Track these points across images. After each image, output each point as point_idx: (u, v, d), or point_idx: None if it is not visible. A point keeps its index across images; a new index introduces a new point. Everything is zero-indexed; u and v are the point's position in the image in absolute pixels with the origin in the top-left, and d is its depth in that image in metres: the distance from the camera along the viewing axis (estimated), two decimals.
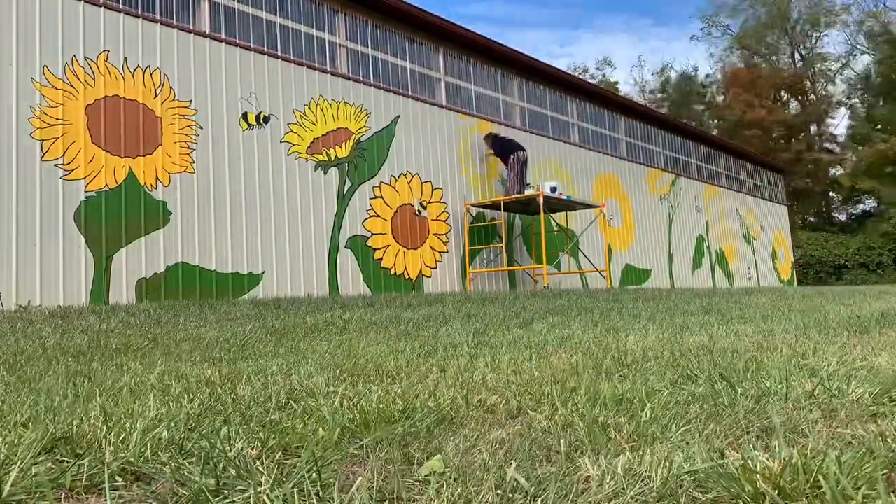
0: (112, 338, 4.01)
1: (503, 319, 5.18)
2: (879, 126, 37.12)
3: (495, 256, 12.27)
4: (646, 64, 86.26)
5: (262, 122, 9.12)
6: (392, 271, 10.52)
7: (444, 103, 12.13)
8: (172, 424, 1.58)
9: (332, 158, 9.98)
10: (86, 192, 7.32)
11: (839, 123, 54.73)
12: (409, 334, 4.06)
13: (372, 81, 10.88)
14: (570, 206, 12.81)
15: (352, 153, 10.25)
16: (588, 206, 13.35)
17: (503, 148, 12.10)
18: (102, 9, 7.74)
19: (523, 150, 12.07)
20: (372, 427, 1.58)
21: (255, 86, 9.14)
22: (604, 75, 48.33)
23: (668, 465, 1.19)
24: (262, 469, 1.26)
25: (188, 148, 8.29)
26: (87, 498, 1.21)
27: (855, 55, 42.41)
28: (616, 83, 46.48)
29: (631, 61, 65.06)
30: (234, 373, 2.52)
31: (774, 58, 43.77)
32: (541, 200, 11.33)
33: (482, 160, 12.49)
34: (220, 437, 1.46)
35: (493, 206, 11.94)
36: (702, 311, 5.74)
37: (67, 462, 1.32)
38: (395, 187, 10.81)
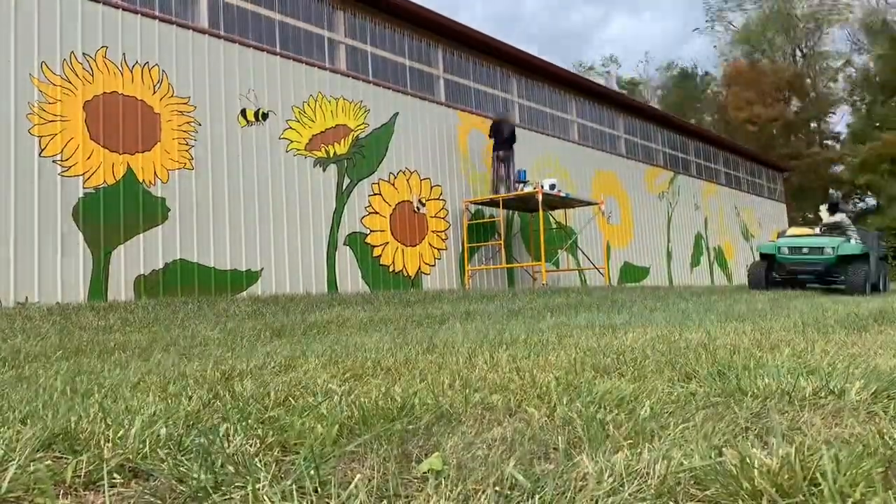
0: (110, 335, 4.01)
1: (501, 317, 5.19)
2: (878, 123, 37.15)
3: (494, 254, 12.27)
4: (651, 60, 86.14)
5: (260, 118, 9.10)
6: (391, 268, 10.52)
7: (442, 100, 12.13)
8: (171, 421, 1.58)
9: (331, 155, 9.97)
10: (84, 188, 7.31)
11: (840, 121, 54.74)
12: (408, 332, 4.06)
13: (371, 78, 10.87)
14: (568, 203, 12.81)
15: (350, 150, 10.25)
16: (587, 203, 13.35)
17: (498, 140, 12.03)
18: (101, 5, 7.72)
19: (510, 149, 12.03)
20: (370, 424, 1.58)
21: (254, 82, 9.13)
22: (608, 73, 48.28)
23: (666, 462, 1.19)
24: (260, 466, 1.26)
25: (187, 144, 8.28)
26: (86, 494, 1.21)
27: (859, 52, 42.45)
28: (632, 79, 46.45)
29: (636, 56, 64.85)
30: (233, 370, 2.52)
31: (777, 55, 43.77)
32: (540, 198, 11.33)
33: (481, 158, 12.48)
34: (219, 434, 1.46)
35: (492, 203, 11.94)
36: (700, 309, 5.75)
37: (66, 459, 1.32)
38: (393, 184, 10.81)
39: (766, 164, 25.26)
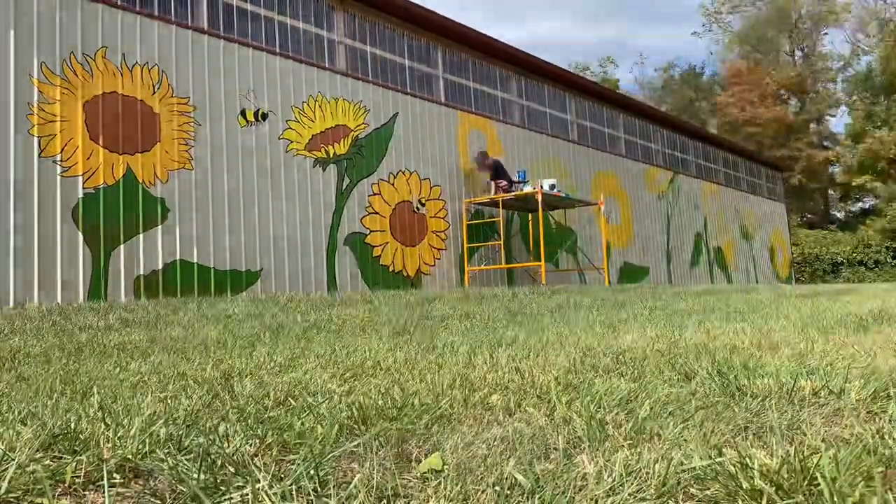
0: (110, 335, 4.01)
1: (502, 317, 5.19)
2: (879, 124, 37.18)
3: (494, 254, 12.27)
4: (647, 61, 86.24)
5: (260, 118, 9.10)
6: (390, 269, 10.52)
7: (442, 100, 12.13)
8: (171, 421, 1.58)
9: (331, 155, 9.97)
10: (84, 188, 7.31)
11: (839, 121, 54.75)
12: (408, 332, 4.07)
13: (370, 78, 10.87)
14: (568, 203, 12.81)
15: (350, 150, 10.25)
16: (586, 203, 13.35)
17: (497, 172, 11.98)
18: (100, 5, 7.72)
19: (509, 181, 11.96)
20: (370, 424, 1.58)
21: (254, 83, 9.13)
22: (605, 73, 48.24)
23: (666, 462, 1.19)
24: (259, 466, 1.26)
25: (186, 145, 8.28)
26: (86, 494, 1.21)
27: (858, 54, 42.48)
28: (617, 80, 46.46)
29: (632, 57, 64.64)
30: (232, 370, 2.52)
31: (775, 55, 43.78)
32: (539, 198, 11.33)
33: (481, 158, 12.47)
34: (219, 435, 1.46)
35: (492, 203, 11.94)
36: (700, 309, 5.75)
37: (66, 459, 1.32)
38: (393, 184, 10.81)
39: (766, 163, 25.27)
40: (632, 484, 1.13)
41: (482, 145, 12.50)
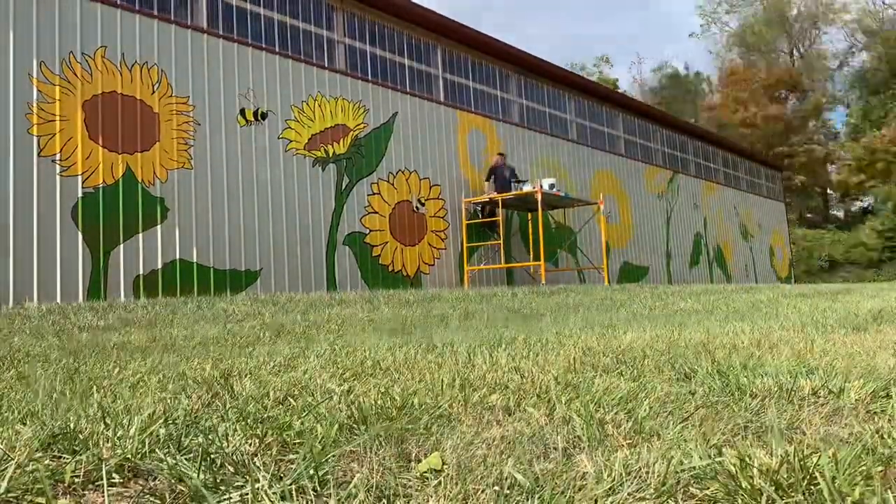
0: (110, 334, 4.01)
1: (501, 317, 5.19)
2: (875, 118, 37.18)
3: (493, 253, 12.27)
4: (644, 61, 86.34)
5: (259, 118, 9.10)
6: (390, 268, 10.52)
7: (442, 100, 12.12)
8: (170, 421, 1.58)
9: (330, 155, 9.97)
10: (83, 188, 7.31)
11: (837, 120, 54.73)
12: (408, 331, 4.07)
13: (370, 78, 10.87)
14: (567, 203, 12.81)
15: (350, 150, 10.24)
16: (586, 202, 13.35)
17: (494, 178, 11.95)
18: (99, 4, 7.72)
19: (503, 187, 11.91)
20: (370, 424, 1.58)
21: (253, 82, 9.12)
22: (600, 72, 48.20)
23: (665, 461, 1.19)
24: (259, 465, 1.26)
25: (186, 144, 8.27)
26: (85, 494, 1.21)
27: (853, 52, 42.52)
28: (615, 80, 46.43)
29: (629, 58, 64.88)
30: (232, 369, 2.52)
31: (773, 55, 43.77)
32: (539, 197, 11.33)
33: (480, 157, 12.48)
34: (218, 434, 1.46)
35: (492, 202, 11.93)
36: (699, 309, 5.76)
37: (65, 459, 1.32)
38: (392, 184, 10.81)
39: (765, 163, 25.28)
40: (631, 484, 1.13)
41: (481, 144, 12.49)
